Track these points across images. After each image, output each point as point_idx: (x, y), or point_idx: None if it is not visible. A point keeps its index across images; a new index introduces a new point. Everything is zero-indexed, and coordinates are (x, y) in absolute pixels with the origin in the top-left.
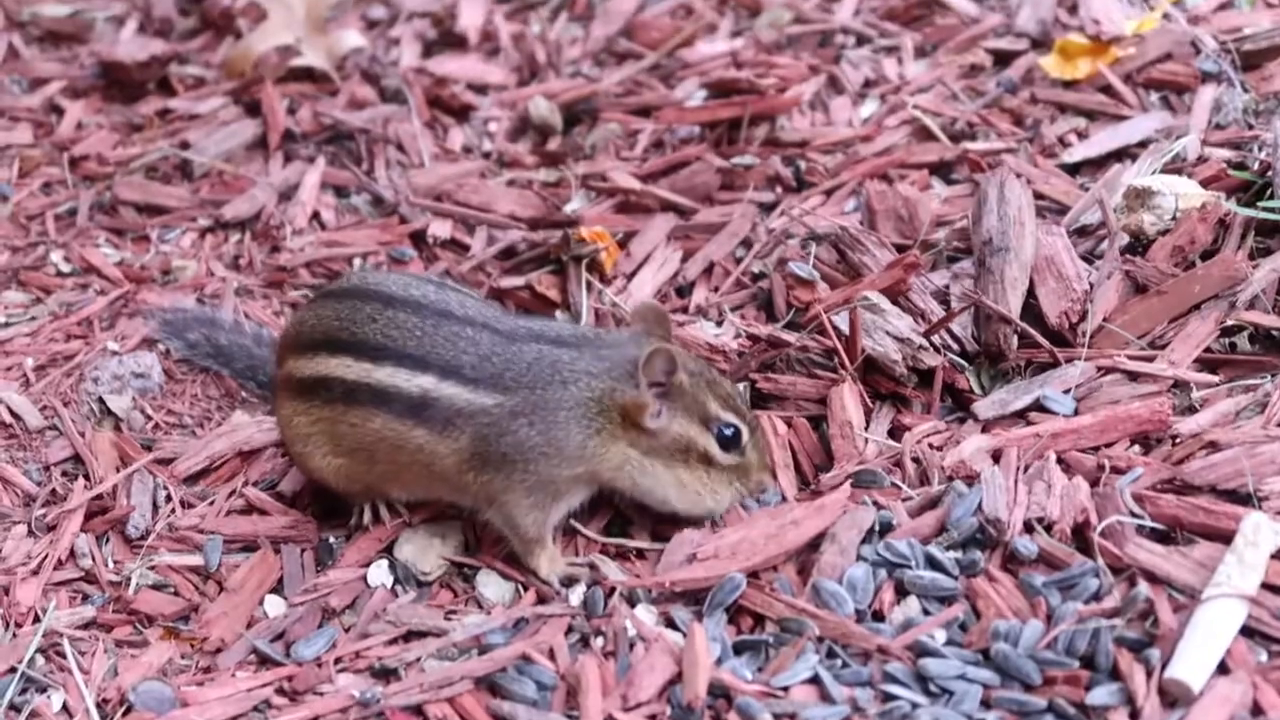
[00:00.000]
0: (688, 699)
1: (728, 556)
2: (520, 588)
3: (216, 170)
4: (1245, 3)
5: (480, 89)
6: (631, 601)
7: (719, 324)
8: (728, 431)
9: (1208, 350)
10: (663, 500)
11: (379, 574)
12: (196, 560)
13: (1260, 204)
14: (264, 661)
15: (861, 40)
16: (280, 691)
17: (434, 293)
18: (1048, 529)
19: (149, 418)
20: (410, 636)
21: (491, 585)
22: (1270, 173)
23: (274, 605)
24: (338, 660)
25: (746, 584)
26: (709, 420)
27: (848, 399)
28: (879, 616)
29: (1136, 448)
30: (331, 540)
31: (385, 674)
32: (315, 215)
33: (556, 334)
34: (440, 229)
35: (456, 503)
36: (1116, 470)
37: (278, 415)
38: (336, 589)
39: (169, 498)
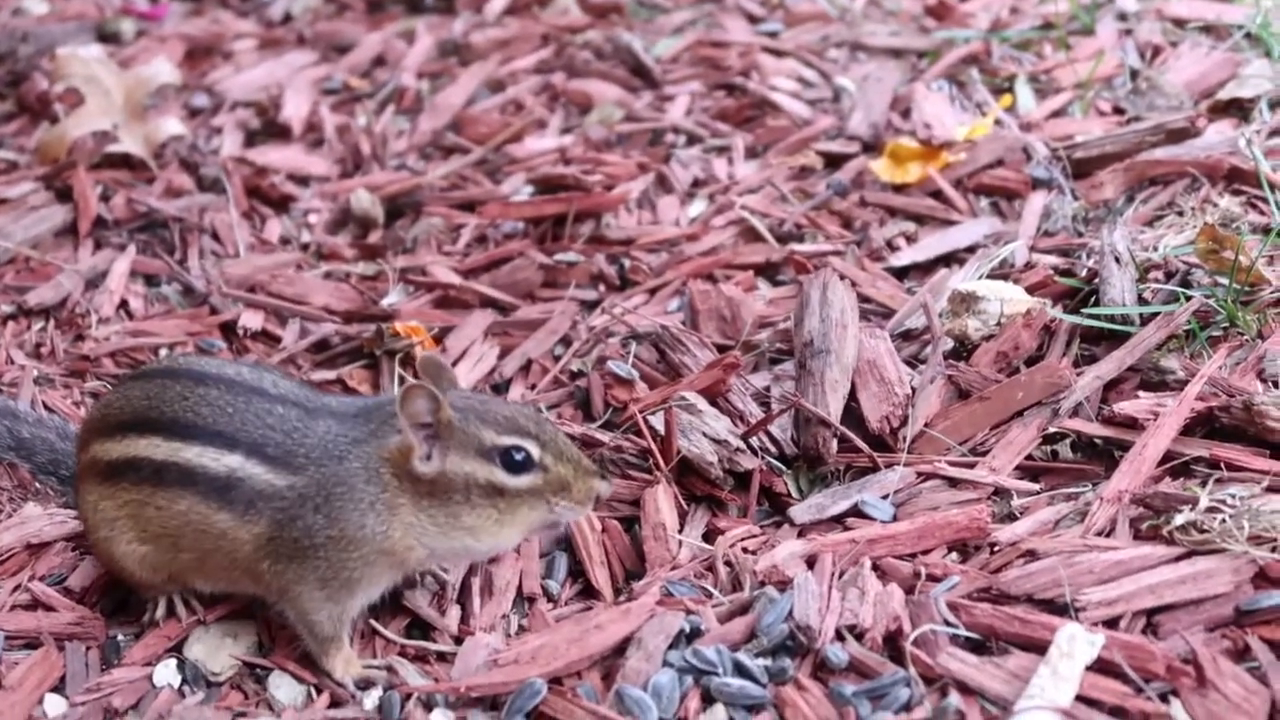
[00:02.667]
0: None
1: (528, 661)
2: (314, 690)
3: (23, 256)
4: (1078, 110)
5: (302, 180)
6: (429, 706)
7: None
8: (517, 456)
9: (1029, 458)
10: (465, 551)
11: (166, 673)
12: None
13: (1085, 310)
14: None
15: (692, 140)
16: None
17: (248, 371)
18: (859, 637)
19: None
20: None
21: (284, 687)
22: (1097, 280)
23: (54, 705)
24: None
25: (548, 690)
26: (486, 450)
27: (661, 501)
28: None
29: (954, 555)
30: (120, 637)
31: None
32: (123, 304)
33: (346, 408)
34: (252, 320)
35: (260, 596)
36: (933, 578)
37: (80, 502)
38: (121, 688)
39: None
